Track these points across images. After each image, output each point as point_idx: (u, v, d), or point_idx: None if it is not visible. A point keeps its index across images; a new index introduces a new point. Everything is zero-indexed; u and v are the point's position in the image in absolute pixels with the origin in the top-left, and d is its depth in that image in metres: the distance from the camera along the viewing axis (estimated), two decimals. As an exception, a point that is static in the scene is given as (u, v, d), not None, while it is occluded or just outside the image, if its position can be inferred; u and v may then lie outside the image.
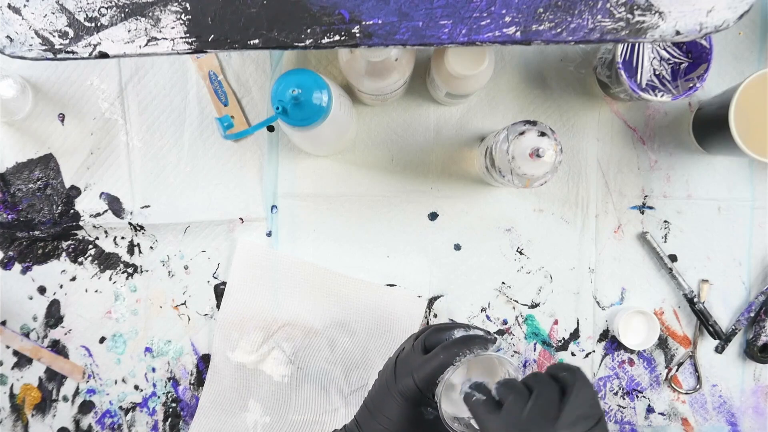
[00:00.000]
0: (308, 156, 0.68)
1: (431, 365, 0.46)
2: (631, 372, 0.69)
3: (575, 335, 0.69)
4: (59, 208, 0.68)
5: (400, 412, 0.47)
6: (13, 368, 0.70)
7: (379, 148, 0.68)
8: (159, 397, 0.70)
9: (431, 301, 0.69)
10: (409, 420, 0.47)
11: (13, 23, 0.44)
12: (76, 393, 0.70)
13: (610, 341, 0.69)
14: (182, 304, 0.69)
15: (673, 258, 0.68)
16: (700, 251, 0.68)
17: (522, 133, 0.54)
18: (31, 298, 0.69)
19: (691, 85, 0.58)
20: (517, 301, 0.69)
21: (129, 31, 0.44)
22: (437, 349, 0.47)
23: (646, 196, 0.68)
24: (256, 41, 0.43)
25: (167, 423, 0.70)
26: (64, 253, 0.69)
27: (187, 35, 0.44)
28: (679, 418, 0.69)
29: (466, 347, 0.46)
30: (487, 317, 0.69)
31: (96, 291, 0.69)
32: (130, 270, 0.69)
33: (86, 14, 0.43)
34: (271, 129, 0.68)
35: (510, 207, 0.68)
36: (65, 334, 0.69)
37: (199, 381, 0.69)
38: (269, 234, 0.69)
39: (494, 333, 0.68)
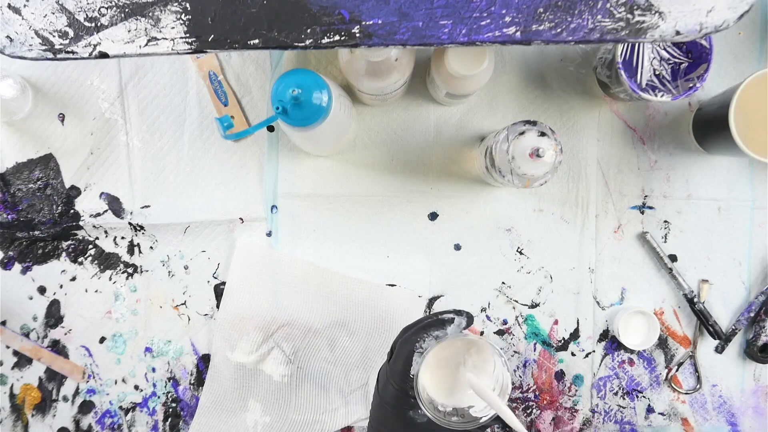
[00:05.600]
0: (308, 156, 0.68)
1: (398, 363, 0.46)
2: (631, 372, 0.69)
3: (575, 335, 0.69)
4: (59, 208, 0.68)
5: (395, 422, 0.47)
6: (13, 368, 0.70)
7: (379, 148, 0.68)
8: (159, 397, 0.70)
9: (431, 301, 0.69)
10: (407, 427, 0.47)
11: (13, 23, 0.44)
12: (76, 393, 0.70)
13: (610, 341, 0.69)
14: (182, 304, 0.69)
15: (673, 258, 0.68)
16: (700, 251, 0.68)
17: (522, 133, 0.54)
18: (31, 298, 0.69)
19: (691, 85, 0.58)
20: (517, 301, 0.69)
21: (129, 31, 0.43)
22: (398, 345, 0.47)
23: (646, 196, 0.68)
24: (256, 41, 0.43)
25: (167, 423, 0.70)
26: (64, 253, 0.69)
27: (187, 35, 0.44)
28: (679, 418, 0.69)
29: (423, 332, 0.46)
30: (487, 317, 0.69)
31: (96, 291, 0.69)
32: (130, 270, 0.69)
33: (86, 14, 0.43)
34: (271, 129, 0.68)
35: (510, 207, 0.68)
36: (65, 334, 0.69)
37: (199, 381, 0.69)
38: (269, 234, 0.69)
39: (494, 332, 0.69)
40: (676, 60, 0.60)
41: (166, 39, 0.44)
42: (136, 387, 0.70)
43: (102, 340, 0.70)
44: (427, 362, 0.45)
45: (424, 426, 0.47)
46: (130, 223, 0.68)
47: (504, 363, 0.45)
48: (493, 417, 0.44)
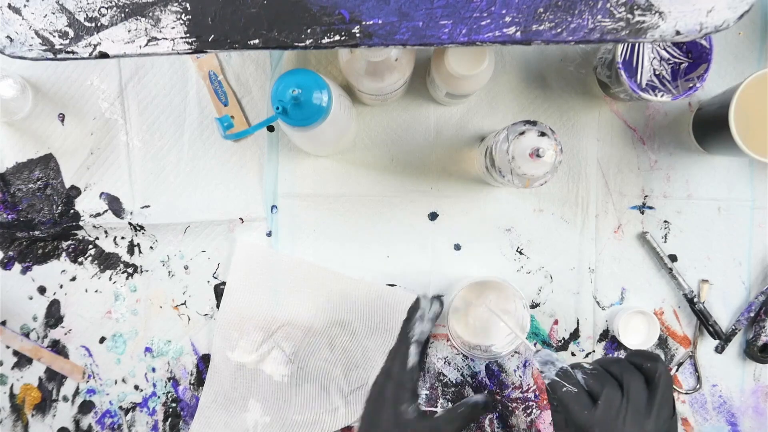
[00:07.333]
0: (308, 156, 0.68)
1: (395, 363, 0.54)
2: (631, 372, 0.69)
3: (575, 335, 0.69)
4: (59, 208, 0.68)
5: (387, 420, 0.52)
6: (13, 368, 0.70)
7: (379, 148, 0.68)
8: (159, 397, 0.70)
9: (431, 301, 0.68)
10: (397, 422, 0.52)
11: (13, 23, 0.44)
12: (76, 393, 0.70)
13: (610, 341, 0.69)
14: (182, 304, 0.69)
15: (673, 258, 0.68)
16: (700, 251, 0.68)
17: (522, 133, 0.54)
18: (31, 298, 0.69)
19: (691, 85, 0.58)
20: (517, 301, 0.69)
21: (129, 31, 0.44)
22: (389, 355, 0.56)
23: (646, 196, 0.68)
24: (256, 41, 0.43)
25: (167, 423, 0.70)
26: (64, 253, 0.69)
27: (187, 35, 0.44)
28: (679, 418, 0.69)
29: (405, 332, 0.56)
30: (487, 317, 0.69)
31: (96, 291, 0.69)
32: (130, 270, 0.69)
33: (86, 14, 0.43)
34: (271, 129, 0.68)
35: (510, 207, 0.68)
36: (65, 334, 0.69)
37: (199, 381, 0.69)
38: (269, 234, 0.69)
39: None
40: (676, 60, 0.60)
41: (166, 39, 0.44)
42: (136, 387, 0.70)
43: (102, 340, 0.70)
44: (455, 307, 0.52)
45: (414, 420, 0.51)
46: (130, 223, 0.68)
47: (524, 306, 0.57)
48: (509, 352, 0.54)
